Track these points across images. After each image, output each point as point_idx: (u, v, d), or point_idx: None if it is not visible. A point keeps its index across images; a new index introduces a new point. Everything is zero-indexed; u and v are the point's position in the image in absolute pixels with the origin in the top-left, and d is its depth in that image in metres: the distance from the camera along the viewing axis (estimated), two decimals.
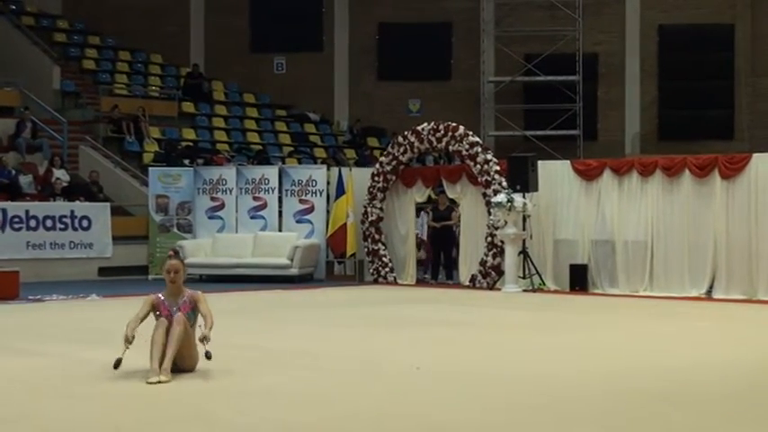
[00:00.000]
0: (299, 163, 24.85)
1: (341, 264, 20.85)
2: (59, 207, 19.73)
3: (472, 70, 28.41)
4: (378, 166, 19.50)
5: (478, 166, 17.90)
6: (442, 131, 18.49)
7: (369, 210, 19.26)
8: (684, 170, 16.22)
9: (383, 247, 19.15)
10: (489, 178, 17.74)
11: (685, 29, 27.59)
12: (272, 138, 27.17)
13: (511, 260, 17.12)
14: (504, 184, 17.39)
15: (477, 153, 18.00)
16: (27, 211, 19.14)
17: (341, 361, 9.23)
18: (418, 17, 28.44)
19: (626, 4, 28.12)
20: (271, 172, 20.63)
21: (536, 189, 17.19)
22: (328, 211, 20.06)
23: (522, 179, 17.08)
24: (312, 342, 10.54)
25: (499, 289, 17.29)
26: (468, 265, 18.36)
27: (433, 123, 18.78)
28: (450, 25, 28.87)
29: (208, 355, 8.11)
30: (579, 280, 16.94)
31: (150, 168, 21.32)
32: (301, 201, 20.16)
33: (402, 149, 19.03)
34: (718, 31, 27.61)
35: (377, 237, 19.18)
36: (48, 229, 19.25)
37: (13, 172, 20.90)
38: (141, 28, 28.05)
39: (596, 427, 6.56)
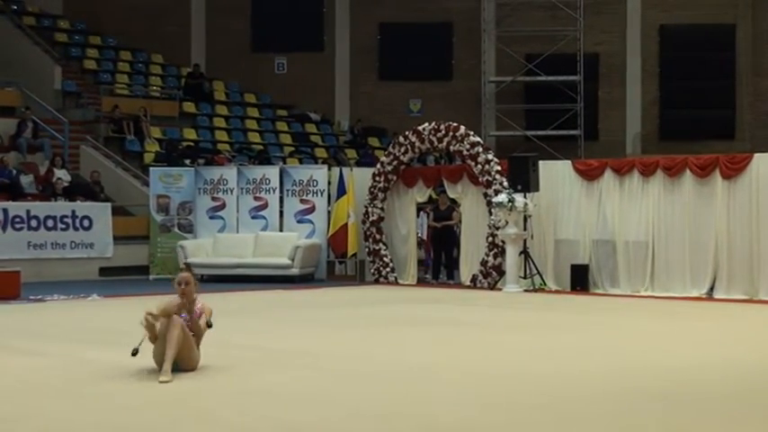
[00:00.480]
0: (300, 163, 24.85)
1: (342, 264, 20.85)
2: (60, 207, 19.74)
3: (473, 70, 28.40)
4: (379, 166, 19.50)
5: (479, 166, 17.90)
6: (443, 131, 18.49)
7: (370, 210, 19.26)
8: (685, 170, 16.21)
9: (384, 247, 19.15)
10: (490, 178, 17.74)
11: (686, 29, 27.58)
12: (273, 138, 27.18)
13: (512, 260, 17.12)
14: (505, 184, 17.39)
15: (478, 153, 18.00)
16: (28, 211, 19.15)
17: (341, 361, 9.23)
18: (419, 17, 28.43)
19: (627, 4, 28.11)
20: (272, 172, 20.63)
21: (537, 189, 17.19)
22: (329, 211, 20.06)
23: (523, 179, 17.08)
24: (313, 342, 10.54)
25: (500, 289, 17.29)
26: (469, 265, 18.36)
27: (434, 123, 18.78)
28: (450, 25, 28.86)
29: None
30: (580, 280, 16.94)
31: (151, 168, 21.33)
32: (302, 201, 20.17)
33: (403, 149, 19.03)
34: (720, 30, 27.60)
35: (378, 237, 19.18)
36: (49, 229, 19.26)
37: (14, 172, 20.91)
38: (142, 28, 28.06)
39: (597, 427, 6.56)
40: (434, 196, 19.79)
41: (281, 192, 20.32)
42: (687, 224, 16.13)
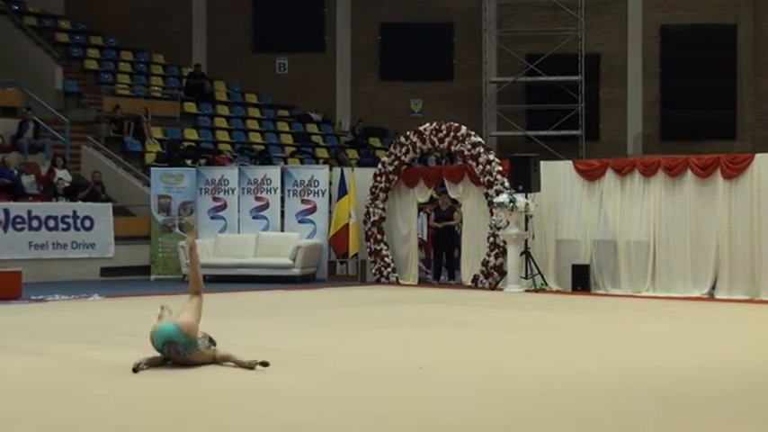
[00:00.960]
0: (302, 163, 24.86)
1: (343, 264, 20.83)
2: (62, 207, 19.74)
3: (474, 70, 28.40)
4: (380, 166, 19.50)
5: (480, 167, 17.90)
6: (445, 132, 18.49)
7: (371, 210, 19.27)
8: (687, 170, 16.20)
9: (385, 248, 19.15)
10: (491, 178, 17.74)
11: (688, 29, 27.58)
12: (275, 138, 27.18)
13: (513, 260, 17.12)
14: (507, 184, 17.38)
15: (479, 153, 18.00)
16: (29, 212, 19.15)
17: (342, 361, 9.23)
18: (420, 17, 28.44)
19: (628, 4, 28.11)
20: (273, 172, 20.63)
21: (538, 189, 17.18)
22: (330, 212, 20.06)
23: (525, 179, 17.08)
24: (314, 342, 10.54)
25: (501, 289, 17.29)
26: (470, 265, 18.36)
27: (435, 123, 18.78)
28: (452, 25, 28.87)
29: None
30: (581, 280, 16.93)
31: (152, 168, 21.33)
32: (303, 201, 20.17)
33: (404, 150, 19.03)
34: (721, 31, 27.60)
35: (379, 237, 19.19)
36: (50, 229, 19.26)
37: (16, 172, 20.92)
38: (143, 28, 28.06)
39: (598, 427, 6.56)
40: (435, 196, 19.79)
41: (283, 192, 20.32)
42: (688, 224, 16.13)
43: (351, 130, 28.60)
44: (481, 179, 17.93)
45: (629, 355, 9.53)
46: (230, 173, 20.67)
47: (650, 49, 28.06)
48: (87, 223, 19.71)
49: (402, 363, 9.00)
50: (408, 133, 19.11)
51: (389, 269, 19.05)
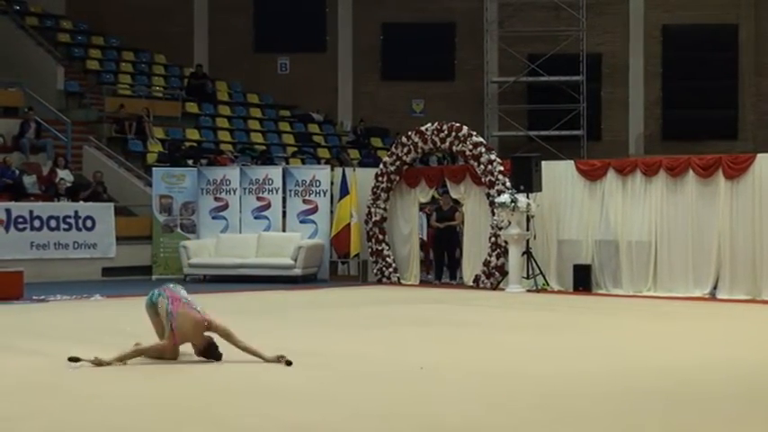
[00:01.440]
0: (303, 163, 24.86)
1: (344, 264, 20.85)
2: (63, 207, 19.75)
3: (476, 70, 28.39)
4: (381, 166, 19.50)
5: (482, 167, 17.90)
6: (446, 132, 18.49)
7: (372, 210, 19.27)
8: (688, 170, 16.20)
9: (387, 248, 19.15)
10: (493, 178, 17.74)
11: (689, 29, 27.57)
12: (276, 138, 27.18)
13: (514, 260, 17.12)
14: (508, 184, 17.38)
15: (480, 153, 18.01)
16: (31, 212, 19.16)
17: (344, 361, 9.23)
18: (422, 17, 28.43)
19: (629, 4, 28.09)
20: (274, 172, 20.64)
21: (539, 189, 17.18)
22: (332, 212, 20.06)
23: (526, 179, 17.07)
24: (315, 342, 10.54)
25: (503, 289, 17.29)
26: (471, 265, 18.35)
27: (436, 124, 18.78)
28: (453, 25, 28.86)
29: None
30: (583, 280, 16.93)
31: (154, 168, 21.34)
32: (305, 201, 20.18)
33: (406, 150, 19.03)
34: (722, 31, 27.58)
35: (380, 237, 19.19)
36: (51, 229, 19.27)
37: (17, 172, 20.92)
38: (145, 28, 28.05)
39: (599, 427, 6.56)
40: (437, 197, 19.78)
41: (284, 192, 20.32)
42: (690, 224, 16.12)
43: (352, 130, 28.59)
44: (483, 179, 17.93)
45: (631, 356, 9.54)
46: (232, 173, 20.67)
47: (652, 49, 28.05)
48: (89, 223, 19.71)
49: (404, 363, 9.01)
50: (410, 133, 19.11)
51: (391, 269, 19.05)
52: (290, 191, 20.31)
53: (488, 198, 17.78)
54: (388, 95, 28.78)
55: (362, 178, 19.73)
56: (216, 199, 20.35)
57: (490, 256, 17.75)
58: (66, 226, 19.44)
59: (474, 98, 28.18)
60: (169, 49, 28.38)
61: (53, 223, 19.30)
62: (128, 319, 12.45)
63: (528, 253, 17.21)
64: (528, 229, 17.20)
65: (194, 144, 24.94)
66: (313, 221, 20.07)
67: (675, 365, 8.91)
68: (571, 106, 27.50)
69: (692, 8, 27.60)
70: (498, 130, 28.22)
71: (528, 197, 16.98)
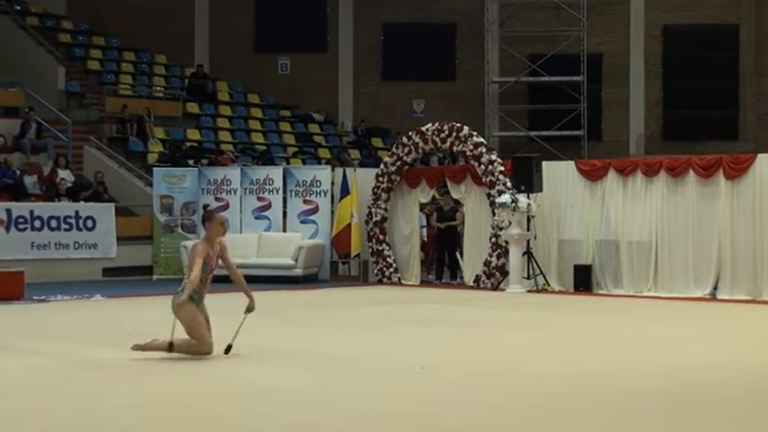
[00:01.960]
0: (304, 163, 24.87)
1: (345, 264, 20.85)
2: (64, 207, 19.75)
3: (476, 71, 28.39)
4: (382, 166, 19.50)
5: (483, 167, 17.90)
6: (447, 132, 18.49)
7: (373, 210, 19.27)
8: (689, 170, 16.20)
9: (387, 248, 19.15)
10: (493, 179, 17.74)
11: (690, 29, 27.57)
12: (277, 138, 27.19)
13: (515, 260, 17.11)
14: (509, 184, 17.38)
15: (481, 153, 18.01)
16: (32, 212, 19.16)
17: (344, 361, 9.23)
18: (422, 17, 28.43)
19: (630, 5, 28.09)
20: (275, 172, 20.64)
21: (540, 189, 17.18)
22: (333, 212, 20.06)
23: (527, 179, 17.07)
24: (316, 342, 10.55)
25: (503, 289, 17.29)
26: (472, 265, 18.35)
27: (437, 124, 18.78)
28: (454, 26, 28.87)
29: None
30: (583, 280, 16.93)
31: (155, 169, 21.34)
32: (306, 201, 20.18)
33: (406, 150, 19.03)
34: (723, 31, 27.58)
35: (381, 237, 19.19)
36: (52, 229, 19.27)
37: (18, 172, 20.92)
38: (146, 28, 28.05)
39: (600, 427, 6.56)
40: (438, 197, 19.78)
41: (285, 192, 20.33)
42: (690, 224, 16.12)
43: (353, 130, 28.60)
44: (483, 179, 17.93)
45: (631, 356, 9.54)
46: (232, 173, 20.68)
47: (652, 49, 28.05)
48: (89, 223, 19.71)
49: (404, 363, 9.01)
50: (410, 133, 19.11)
51: (392, 269, 19.05)
52: (291, 191, 20.32)
53: (489, 198, 17.78)
54: (388, 95, 28.79)
55: (363, 178, 19.73)
56: (216, 199, 20.35)
57: (491, 256, 17.75)
58: (66, 226, 19.44)
59: (475, 98, 28.18)
60: (170, 50, 28.39)
61: (54, 223, 19.30)
62: (129, 319, 12.47)
63: (528, 253, 17.21)
64: (528, 230, 17.20)
65: (195, 144, 24.94)
66: (314, 222, 20.07)
67: (676, 366, 8.91)
68: (572, 106, 27.50)
69: (693, 8, 27.61)
70: (499, 130, 28.22)
71: (528, 197, 16.98)
